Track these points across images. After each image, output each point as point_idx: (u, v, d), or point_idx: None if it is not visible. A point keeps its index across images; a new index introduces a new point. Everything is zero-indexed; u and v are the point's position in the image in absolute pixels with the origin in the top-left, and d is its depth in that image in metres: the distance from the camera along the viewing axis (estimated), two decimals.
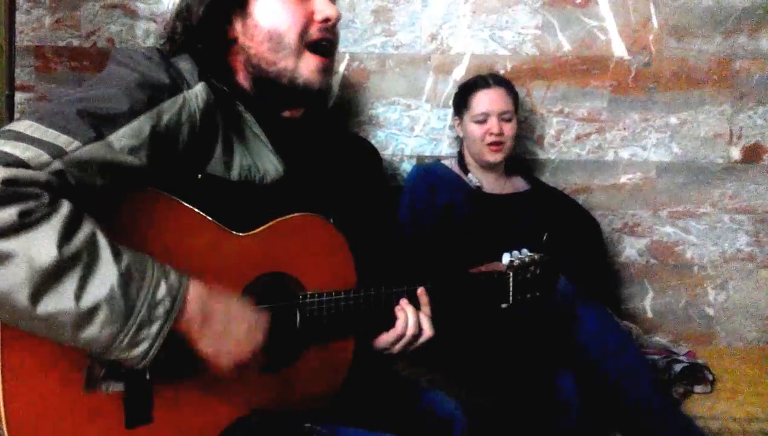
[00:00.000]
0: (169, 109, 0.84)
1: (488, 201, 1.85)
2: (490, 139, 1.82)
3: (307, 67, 0.96)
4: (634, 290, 2.13)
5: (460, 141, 1.98)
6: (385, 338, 1.01)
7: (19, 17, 2.05)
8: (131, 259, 0.73)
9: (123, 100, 0.79)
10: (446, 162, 1.96)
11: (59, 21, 2.07)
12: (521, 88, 2.00)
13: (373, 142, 2.00)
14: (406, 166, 2.10)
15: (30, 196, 0.67)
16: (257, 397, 0.92)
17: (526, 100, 2.07)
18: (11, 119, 1.95)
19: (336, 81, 2.05)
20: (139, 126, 0.79)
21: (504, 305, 1.15)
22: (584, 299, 1.66)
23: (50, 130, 0.73)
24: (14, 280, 0.65)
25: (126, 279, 0.71)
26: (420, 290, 1.02)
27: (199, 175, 0.89)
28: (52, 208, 0.68)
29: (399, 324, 1.00)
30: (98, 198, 0.76)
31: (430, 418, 1.12)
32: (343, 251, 1.00)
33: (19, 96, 2.05)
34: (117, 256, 0.71)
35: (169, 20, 0.98)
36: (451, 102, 2.01)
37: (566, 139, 2.10)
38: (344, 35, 1.99)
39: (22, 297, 0.66)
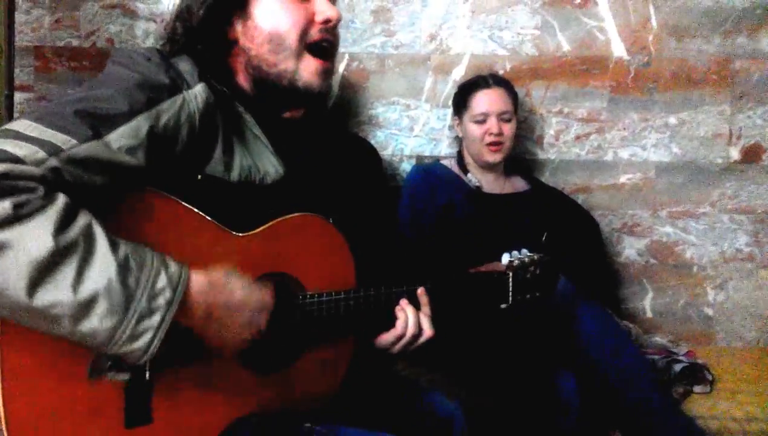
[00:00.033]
0: (168, 109, 0.84)
1: (488, 201, 1.85)
2: (489, 139, 1.82)
3: (308, 69, 0.96)
4: (633, 290, 2.13)
5: (459, 141, 1.99)
6: (385, 338, 1.01)
7: (19, 17, 2.05)
8: (129, 249, 0.72)
9: (121, 101, 0.79)
10: (446, 162, 1.96)
11: (59, 21, 2.07)
12: (521, 89, 2.00)
13: (372, 142, 2.01)
14: (406, 167, 2.10)
15: (24, 190, 0.67)
16: (257, 397, 0.92)
17: (526, 100, 2.07)
18: (11, 119, 1.94)
19: (336, 81, 2.05)
20: (137, 126, 0.79)
21: (504, 306, 1.15)
22: (584, 299, 1.66)
23: (47, 130, 0.73)
24: (10, 271, 0.65)
25: (124, 269, 0.70)
26: (420, 290, 1.02)
27: (199, 176, 0.89)
28: (47, 200, 0.68)
29: (399, 324, 1.00)
30: (97, 197, 0.76)
31: (430, 418, 1.12)
32: (343, 251, 1.00)
33: (18, 96, 2.05)
34: (114, 246, 0.71)
35: (169, 21, 0.97)
36: (450, 102, 2.01)
37: (566, 139, 2.10)
38: (344, 35, 1.99)
39: (19, 289, 0.65)
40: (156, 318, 0.72)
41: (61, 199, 0.69)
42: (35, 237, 0.66)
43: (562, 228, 1.82)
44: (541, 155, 2.11)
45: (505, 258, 1.17)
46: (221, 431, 0.88)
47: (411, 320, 0.99)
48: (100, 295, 0.68)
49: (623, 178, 2.10)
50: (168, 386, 0.83)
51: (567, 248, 1.74)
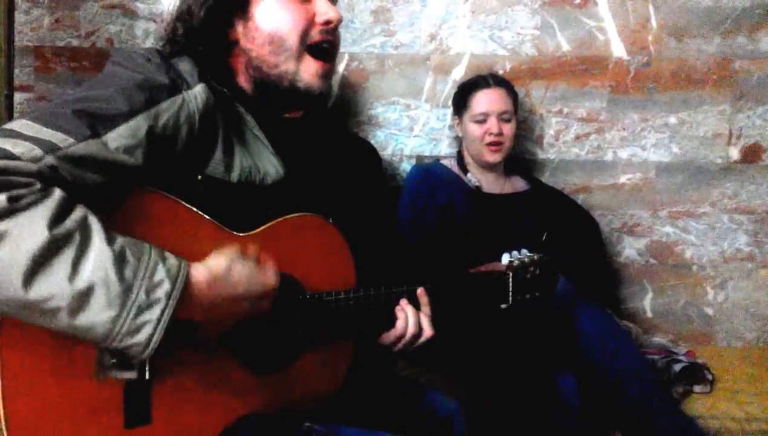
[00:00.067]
0: (167, 109, 0.84)
1: (488, 201, 1.85)
2: (489, 139, 1.82)
3: (308, 71, 0.96)
4: (633, 290, 2.13)
5: (459, 141, 1.99)
6: (385, 338, 1.01)
7: (18, 17, 2.05)
8: (126, 242, 0.72)
9: (120, 101, 0.79)
10: (445, 162, 1.96)
11: (58, 21, 2.07)
12: (520, 89, 2.00)
13: (372, 142, 2.01)
14: (406, 166, 2.10)
15: (20, 185, 0.67)
16: (257, 397, 0.92)
17: (526, 100, 2.07)
18: (10, 119, 1.94)
19: (335, 81, 2.05)
20: (136, 126, 0.79)
21: (503, 306, 1.15)
22: (584, 299, 1.66)
23: (45, 129, 0.73)
24: (5, 263, 0.65)
25: (120, 260, 0.70)
26: (420, 291, 1.02)
27: (199, 177, 0.89)
28: (43, 194, 0.68)
29: (399, 324, 1.00)
30: (96, 197, 0.76)
31: (430, 418, 1.12)
32: (343, 251, 1.00)
33: (18, 96, 2.05)
34: (110, 238, 0.71)
35: (170, 22, 0.97)
36: (450, 102, 2.01)
37: (565, 139, 2.10)
38: (343, 35, 1.98)
39: (14, 281, 0.65)
40: (156, 311, 0.71)
41: (56, 193, 0.69)
42: (30, 229, 0.66)
43: (561, 228, 1.82)
44: (541, 155, 2.11)
45: (505, 258, 1.17)
46: (221, 431, 0.88)
47: (411, 320, 0.99)
48: (97, 287, 0.68)
49: (623, 178, 2.10)
50: (167, 386, 0.83)
51: (567, 247, 1.74)
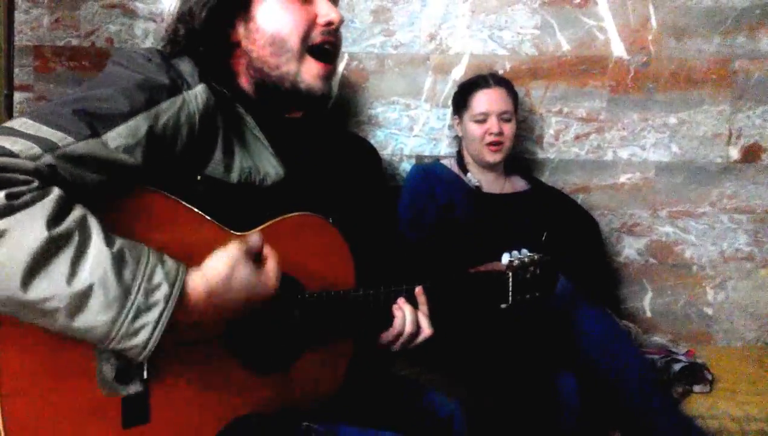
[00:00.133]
0: (167, 109, 0.84)
1: (487, 201, 1.85)
2: (489, 138, 1.82)
3: (309, 72, 0.96)
4: (633, 290, 2.13)
5: (459, 141, 1.99)
6: (383, 337, 1.01)
7: (18, 17, 2.05)
8: (125, 243, 0.72)
9: (121, 100, 0.79)
10: (445, 162, 1.96)
11: (58, 21, 2.07)
12: (520, 88, 2.00)
13: (372, 142, 2.01)
14: (406, 166, 2.10)
15: (18, 182, 0.67)
16: (256, 397, 0.92)
17: (525, 100, 2.07)
18: (10, 118, 1.94)
19: (335, 81, 2.05)
20: (136, 125, 0.79)
21: (503, 305, 1.15)
22: (584, 299, 1.66)
23: (44, 127, 0.73)
24: (3, 263, 0.65)
25: (119, 262, 0.70)
26: (418, 290, 1.02)
27: (199, 177, 0.89)
28: (41, 192, 0.68)
29: (397, 323, 1.00)
30: (95, 197, 0.76)
31: (430, 418, 1.12)
32: (342, 250, 1.00)
33: (18, 96, 2.05)
34: (109, 239, 0.70)
35: (171, 22, 0.97)
36: (450, 102, 2.01)
37: (565, 139, 2.10)
38: (343, 35, 1.99)
39: (13, 281, 0.65)
40: (154, 314, 0.71)
41: (55, 192, 0.69)
42: (29, 228, 0.66)
43: (561, 228, 1.82)
44: (541, 155, 2.11)
45: (505, 258, 1.17)
46: (220, 430, 0.88)
47: (408, 318, 0.99)
48: (95, 288, 0.68)
49: (623, 178, 2.10)
50: (166, 386, 0.83)
51: (567, 247, 1.74)
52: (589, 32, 2.06)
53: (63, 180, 0.72)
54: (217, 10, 0.94)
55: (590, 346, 1.58)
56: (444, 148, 2.10)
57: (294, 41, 0.94)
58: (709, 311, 2.12)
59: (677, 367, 1.76)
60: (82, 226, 0.69)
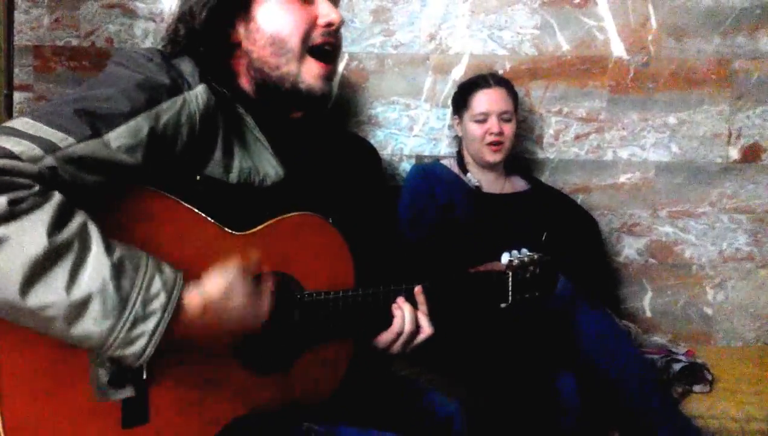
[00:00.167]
0: (168, 109, 0.84)
1: (487, 201, 1.85)
2: (490, 138, 1.82)
3: (310, 73, 0.96)
4: (633, 290, 2.13)
5: (459, 141, 1.99)
6: (383, 338, 1.01)
7: (18, 17, 2.05)
8: (124, 251, 0.72)
9: (122, 100, 0.79)
10: (445, 162, 1.96)
11: (58, 20, 2.07)
12: (520, 88, 2.00)
13: (372, 141, 2.01)
14: (405, 166, 2.10)
15: (20, 186, 0.67)
16: (256, 397, 0.92)
17: (525, 99, 2.07)
18: (10, 118, 1.94)
19: (335, 81, 2.05)
20: (137, 126, 0.79)
21: (503, 305, 1.15)
22: (584, 299, 1.66)
23: (45, 127, 0.73)
24: (3, 269, 0.65)
25: (119, 271, 0.70)
26: (417, 289, 1.02)
27: (198, 177, 0.89)
28: (42, 198, 0.68)
29: (396, 322, 1.00)
30: (95, 197, 0.75)
31: (430, 418, 1.12)
32: (342, 250, 1.00)
33: (17, 95, 2.05)
34: (109, 247, 0.70)
35: (171, 22, 0.97)
36: (449, 102, 2.01)
37: (565, 139, 2.10)
38: (343, 35, 1.99)
39: (12, 288, 0.65)
40: (151, 323, 0.71)
41: (56, 198, 0.69)
42: (30, 236, 0.66)
43: (561, 228, 1.82)
44: (541, 155, 2.11)
45: (505, 257, 1.17)
46: (220, 430, 0.88)
47: (408, 317, 0.99)
48: (94, 297, 0.68)
49: (622, 178, 2.10)
50: (166, 385, 0.83)
51: (567, 247, 1.74)
52: (588, 32, 2.06)
53: (64, 182, 0.72)
54: (217, 11, 0.94)
55: (590, 346, 1.58)
56: (444, 148, 2.10)
57: (294, 42, 0.94)
58: (709, 311, 2.12)
59: (677, 367, 1.76)
60: (83, 234, 0.69)
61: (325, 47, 0.97)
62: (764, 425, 1.62)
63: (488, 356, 1.58)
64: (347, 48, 2.05)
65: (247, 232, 0.90)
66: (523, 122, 2.07)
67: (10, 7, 1.99)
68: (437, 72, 2.08)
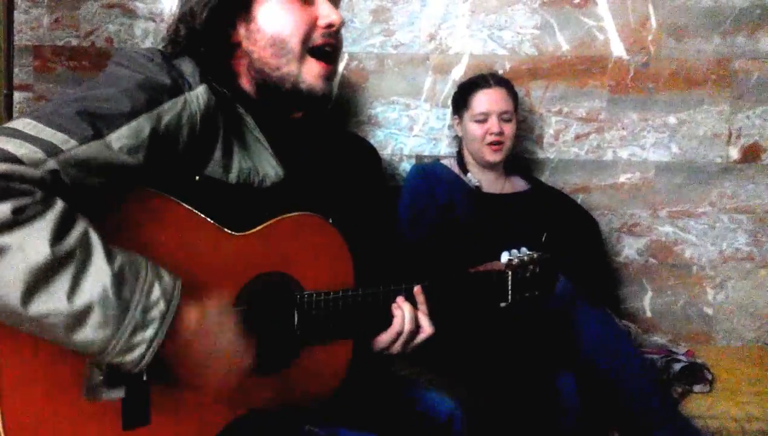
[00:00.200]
0: (169, 110, 0.84)
1: (487, 201, 1.85)
2: (490, 138, 1.82)
3: (310, 72, 0.96)
4: (632, 290, 2.13)
5: (459, 140, 1.99)
6: (383, 337, 1.01)
7: (18, 17, 2.04)
8: (125, 259, 0.72)
9: (123, 101, 0.79)
10: (445, 162, 1.96)
11: (58, 20, 2.07)
12: (520, 88, 2.00)
13: (372, 141, 2.01)
14: (405, 166, 2.10)
15: (23, 193, 0.67)
16: (255, 397, 0.92)
17: (525, 99, 2.07)
18: (10, 118, 1.95)
19: (335, 81, 2.05)
20: (139, 126, 0.79)
21: (503, 304, 1.15)
22: (583, 299, 1.66)
23: (47, 129, 0.72)
24: (5, 278, 0.65)
25: (119, 280, 0.70)
26: (416, 289, 1.02)
27: (197, 177, 0.89)
28: (45, 205, 0.68)
29: (396, 321, 1.00)
30: (95, 197, 0.75)
31: (430, 418, 1.12)
32: (341, 250, 1.00)
33: (17, 95, 2.05)
34: (110, 256, 0.71)
35: (172, 22, 0.97)
36: (449, 102, 2.01)
37: (565, 138, 2.10)
38: (343, 35, 1.99)
39: (14, 297, 0.65)
40: (150, 331, 0.72)
41: (58, 206, 0.69)
42: (32, 245, 0.66)
43: (561, 228, 1.82)
44: (541, 155, 2.11)
45: (504, 257, 1.17)
46: (220, 430, 0.88)
47: (407, 316, 0.99)
48: (95, 306, 0.68)
49: (622, 178, 2.10)
50: (166, 387, 0.83)
51: (567, 247, 1.74)
52: (588, 32, 2.06)
53: (65, 185, 0.71)
54: (218, 11, 0.93)
55: (590, 346, 1.58)
56: (444, 148, 2.10)
57: (295, 43, 0.94)
58: (709, 311, 2.12)
59: (677, 367, 1.76)
60: (84, 242, 0.69)
61: (325, 48, 0.97)
62: (764, 425, 1.62)
63: (488, 355, 1.58)
64: (347, 48, 2.05)
65: (247, 232, 0.90)
66: (523, 122, 2.07)
67: (10, 7, 1.99)
68: (437, 72, 2.08)
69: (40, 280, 0.66)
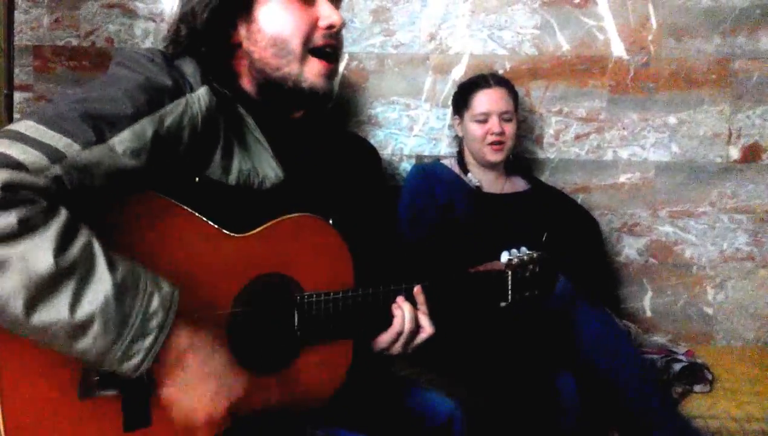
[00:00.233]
0: (171, 112, 0.83)
1: (488, 201, 1.85)
2: (491, 138, 1.82)
3: (312, 71, 0.96)
4: (633, 290, 2.13)
5: (459, 140, 1.98)
6: (384, 338, 1.01)
7: (18, 17, 2.05)
8: (126, 269, 0.72)
9: (125, 103, 0.79)
10: (446, 161, 1.96)
11: (58, 20, 2.07)
12: (520, 88, 2.00)
13: (372, 141, 2.01)
14: (406, 166, 2.10)
15: (28, 202, 0.67)
16: (256, 397, 0.91)
17: (525, 99, 2.07)
18: (10, 118, 1.95)
19: (336, 80, 2.05)
20: (142, 129, 0.79)
21: (503, 304, 1.15)
22: (583, 299, 1.66)
23: (50, 132, 0.72)
24: (8, 289, 0.65)
25: (121, 290, 0.70)
26: (416, 289, 1.02)
27: (197, 179, 0.89)
28: (49, 215, 0.68)
29: (396, 321, 1.00)
30: (96, 200, 0.75)
31: (430, 418, 1.12)
32: (341, 251, 1.00)
33: (17, 95, 2.05)
34: (112, 266, 0.71)
35: (173, 23, 0.97)
36: (450, 102, 2.01)
37: (565, 138, 2.10)
38: (343, 35, 2.00)
39: (17, 308, 0.65)
40: (148, 340, 0.72)
41: (62, 215, 0.69)
42: (36, 256, 0.66)
43: (561, 228, 1.82)
44: (541, 155, 2.11)
45: (504, 256, 1.16)
46: (220, 432, 0.88)
47: (408, 315, 0.99)
48: (96, 317, 0.69)
49: (623, 178, 2.10)
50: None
51: (567, 247, 1.74)
52: (588, 32, 2.06)
53: (68, 193, 0.71)
54: (218, 11, 0.93)
55: (590, 346, 1.58)
56: (444, 148, 2.10)
57: (295, 43, 0.94)
58: (709, 311, 2.12)
59: (677, 367, 1.76)
60: (88, 253, 0.70)
61: (326, 49, 0.97)
62: (764, 425, 1.62)
63: (488, 355, 1.58)
64: (347, 48, 2.05)
65: (247, 233, 0.90)
66: (523, 122, 2.07)
67: (10, 7, 1.99)
68: (437, 72, 2.08)
69: (43, 291, 0.66)
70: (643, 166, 2.09)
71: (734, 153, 2.08)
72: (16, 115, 1.96)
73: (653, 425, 1.53)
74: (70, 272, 0.68)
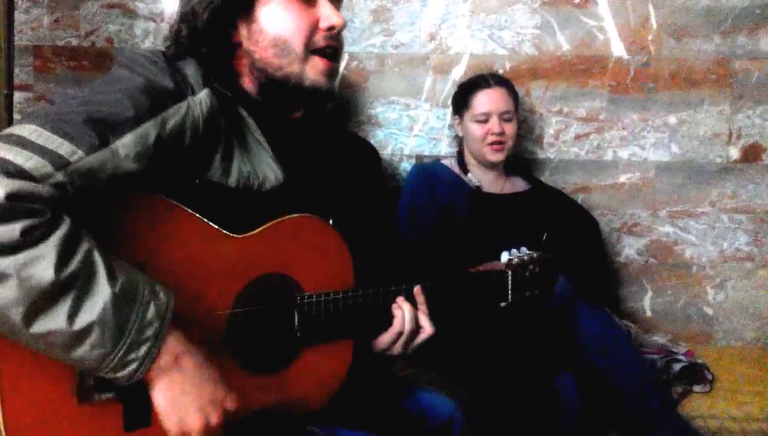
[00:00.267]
0: (173, 115, 0.83)
1: (488, 201, 1.85)
2: (491, 138, 1.82)
3: (314, 69, 0.95)
4: (633, 290, 2.13)
5: (459, 140, 1.98)
6: (384, 338, 1.01)
7: (18, 17, 2.04)
8: (125, 278, 0.72)
9: (128, 106, 0.79)
10: (446, 162, 1.96)
11: (58, 20, 2.07)
12: (520, 88, 2.00)
13: (372, 141, 2.01)
14: (406, 166, 2.10)
15: (32, 213, 0.67)
16: (256, 397, 0.92)
17: (525, 99, 2.07)
18: (10, 119, 1.94)
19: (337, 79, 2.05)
20: (144, 133, 0.79)
21: (503, 304, 1.15)
22: (584, 299, 1.66)
23: (54, 137, 0.72)
24: (8, 300, 0.65)
25: (119, 300, 0.71)
26: (416, 289, 1.02)
27: (197, 180, 0.89)
28: (52, 226, 0.68)
29: (396, 322, 1.00)
30: (97, 202, 0.76)
31: (430, 418, 1.12)
32: (341, 251, 1.00)
33: (17, 95, 2.04)
34: (112, 276, 0.71)
35: (174, 23, 0.97)
36: (450, 102, 2.01)
37: (565, 138, 2.10)
38: (344, 35, 2.00)
39: (17, 317, 0.66)
40: (143, 349, 0.73)
41: (65, 225, 0.69)
42: (37, 267, 0.66)
43: (561, 228, 1.82)
44: (541, 155, 2.11)
45: (504, 256, 1.16)
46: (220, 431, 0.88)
47: (408, 316, 0.99)
48: (95, 326, 0.69)
49: (623, 178, 2.10)
50: None
51: (567, 247, 1.74)
52: (589, 32, 2.06)
53: (71, 198, 0.71)
54: (219, 11, 0.93)
55: (590, 346, 1.58)
56: (444, 148, 2.10)
57: (296, 44, 0.94)
58: (709, 311, 2.12)
59: (677, 367, 1.76)
60: (89, 265, 0.70)
61: (327, 50, 0.97)
62: (764, 425, 1.62)
63: (488, 355, 1.58)
64: (347, 48, 2.04)
65: (247, 234, 0.90)
66: (523, 122, 2.07)
67: (10, 7, 1.99)
68: (437, 72, 2.08)
69: (43, 302, 0.67)
70: (643, 166, 2.09)
71: (734, 153, 2.08)
72: (16, 115, 1.96)
73: (653, 425, 1.53)
74: (71, 284, 0.68)
